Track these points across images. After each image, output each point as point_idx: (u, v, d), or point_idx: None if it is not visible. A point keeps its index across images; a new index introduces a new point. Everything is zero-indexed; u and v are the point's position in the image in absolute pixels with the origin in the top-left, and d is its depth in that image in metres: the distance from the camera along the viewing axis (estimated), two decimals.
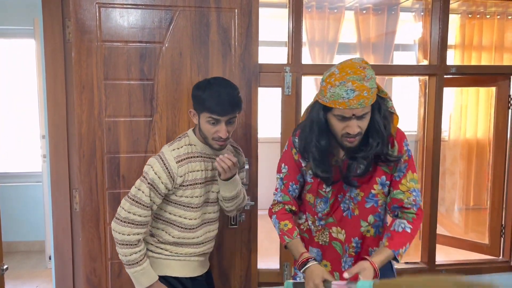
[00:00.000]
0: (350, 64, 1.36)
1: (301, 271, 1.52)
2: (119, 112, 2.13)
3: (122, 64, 2.11)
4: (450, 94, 4.20)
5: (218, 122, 1.59)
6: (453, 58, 4.10)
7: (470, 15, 4.02)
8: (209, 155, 1.71)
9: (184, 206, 1.69)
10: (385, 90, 1.47)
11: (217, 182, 1.74)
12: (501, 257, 2.98)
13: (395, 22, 4.07)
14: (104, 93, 2.11)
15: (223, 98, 1.57)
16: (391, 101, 1.49)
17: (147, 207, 1.62)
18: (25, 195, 4.17)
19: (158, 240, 1.73)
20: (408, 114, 4.63)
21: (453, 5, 3.73)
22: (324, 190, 1.58)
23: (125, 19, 2.09)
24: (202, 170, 1.69)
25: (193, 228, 1.72)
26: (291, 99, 2.46)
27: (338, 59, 4.17)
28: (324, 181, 1.55)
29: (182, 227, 1.70)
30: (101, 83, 2.10)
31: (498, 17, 4.02)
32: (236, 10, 2.17)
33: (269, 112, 3.70)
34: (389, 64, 4.02)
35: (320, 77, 4.84)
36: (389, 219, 1.64)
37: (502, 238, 2.99)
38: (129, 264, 1.65)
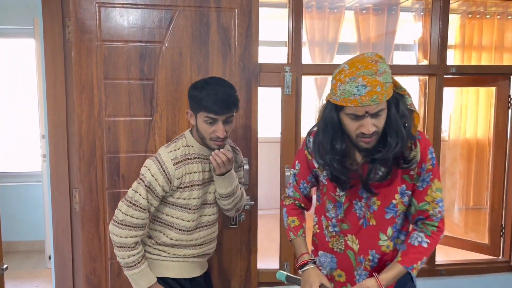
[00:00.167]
0: (361, 58, 1.26)
1: (299, 271, 1.52)
2: (119, 112, 2.13)
3: (122, 64, 2.11)
4: (450, 94, 4.20)
5: (216, 121, 1.57)
6: (453, 58, 4.10)
7: (470, 15, 4.02)
8: (207, 156, 1.69)
9: (181, 207, 1.67)
10: (403, 86, 1.36)
11: (214, 182, 1.73)
12: (501, 257, 2.99)
13: (395, 22, 4.07)
14: (104, 92, 2.11)
15: (220, 97, 1.55)
16: (411, 97, 1.37)
17: (145, 209, 1.61)
18: (25, 195, 4.17)
19: (156, 242, 1.72)
20: None
21: (453, 5, 3.73)
22: (337, 194, 1.49)
23: (125, 19, 2.09)
24: (199, 172, 1.67)
25: (191, 230, 1.70)
26: (291, 99, 2.46)
27: (338, 59, 4.17)
28: (339, 186, 1.45)
29: (179, 229, 1.69)
30: (101, 82, 2.10)
31: (498, 17, 4.02)
32: (236, 10, 2.17)
33: (269, 112, 3.71)
34: (389, 64, 4.01)
35: (320, 77, 4.85)
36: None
37: (502, 238, 2.99)
38: (127, 267, 1.64)
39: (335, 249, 1.55)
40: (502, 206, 3.00)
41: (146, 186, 1.60)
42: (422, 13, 3.90)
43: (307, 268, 1.50)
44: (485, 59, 4.07)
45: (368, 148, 1.34)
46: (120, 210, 1.62)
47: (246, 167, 2.24)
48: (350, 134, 1.33)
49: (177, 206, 1.67)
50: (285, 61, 2.52)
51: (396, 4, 4.05)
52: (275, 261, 2.62)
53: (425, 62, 3.12)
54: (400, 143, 1.30)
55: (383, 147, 1.32)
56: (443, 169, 3.94)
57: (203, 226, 1.74)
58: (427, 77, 2.76)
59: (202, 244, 1.76)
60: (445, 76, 2.70)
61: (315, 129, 1.48)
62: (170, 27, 2.13)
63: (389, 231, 1.46)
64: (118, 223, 1.61)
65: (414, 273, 1.41)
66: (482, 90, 4.06)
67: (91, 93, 2.10)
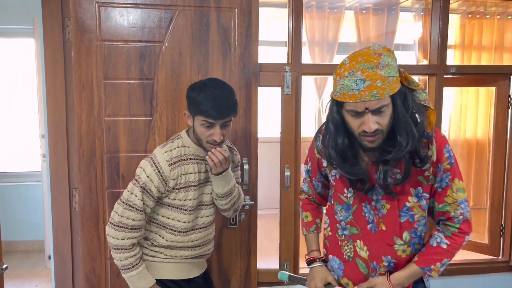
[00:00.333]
0: (364, 51, 1.19)
1: (308, 267, 1.52)
2: (118, 112, 2.13)
3: (121, 64, 2.11)
4: (450, 94, 4.20)
5: (213, 125, 1.55)
6: (453, 58, 4.11)
7: (470, 15, 4.02)
8: (203, 157, 1.67)
9: (177, 208, 1.65)
10: (415, 80, 1.27)
11: (211, 183, 1.71)
12: (500, 257, 2.98)
13: (395, 22, 4.07)
14: (104, 92, 2.11)
15: (219, 102, 1.52)
16: (425, 92, 1.27)
17: (140, 210, 1.60)
18: (24, 195, 4.17)
19: (152, 243, 1.70)
20: None
21: (453, 5, 3.73)
22: (345, 195, 1.42)
23: (125, 19, 2.09)
24: (195, 173, 1.65)
25: (186, 232, 1.68)
26: (291, 98, 2.46)
27: (338, 59, 4.17)
28: (352, 186, 1.37)
29: (175, 230, 1.67)
30: (101, 82, 2.10)
31: (498, 17, 4.02)
32: (236, 9, 2.17)
33: (269, 112, 3.70)
34: None
35: (320, 77, 4.85)
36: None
37: (501, 238, 2.99)
38: (125, 269, 1.62)
39: (344, 255, 1.45)
40: (502, 206, 3.00)
41: (141, 187, 1.59)
42: (422, 13, 3.90)
43: (315, 265, 1.49)
44: (485, 59, 4.07)
45: (375, 148, 1.26)
46: (116, 212, 1.61)
47: (246, 167, 2.24)
48: (353, 132, 1.25)
49: (173, 207, 1.66)
50: (285, 61, 2.52)
51: (396, 4, 4.05)
52: (275, 261, 2.62)
53: (425, 62, 3.12)
54: (411, 142, 1.20)
55: (393, 147, 1.23)
56: None
57: (199, 228, 1.72)
58: (427, 77, 2.76)
59: (198, 246, 1.74)
60: (445, 76, 2.70)
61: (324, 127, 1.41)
62: (170, 27, 2.12)
63: (406, 236, 1.36)
64: (115, 225, 1.60)
65: (433, 274, 1.33)
66: (482, 90, 4.06)
67: (91, 93, 2.10)
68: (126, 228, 1.59)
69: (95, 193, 2.15)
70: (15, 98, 4.35)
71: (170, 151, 1.63)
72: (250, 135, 2.28)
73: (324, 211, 1.61)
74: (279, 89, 2.47)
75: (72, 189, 2.40)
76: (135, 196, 1.59)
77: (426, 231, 1.42)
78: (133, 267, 1.62)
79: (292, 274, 1.57)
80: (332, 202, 1.50)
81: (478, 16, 4.03)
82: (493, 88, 3.04)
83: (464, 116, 4.30)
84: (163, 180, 1.59)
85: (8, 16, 3.62)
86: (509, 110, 2.95)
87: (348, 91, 1.17)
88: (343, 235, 1.45)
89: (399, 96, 1.20)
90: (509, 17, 4.06)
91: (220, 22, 2.16)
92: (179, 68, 2.15)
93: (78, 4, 2.04)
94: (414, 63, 4.11)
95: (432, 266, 1.32)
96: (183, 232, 1.68)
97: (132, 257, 1.61)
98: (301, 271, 2.59)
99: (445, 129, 4.34)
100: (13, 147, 4.41)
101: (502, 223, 2.99)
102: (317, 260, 1.50)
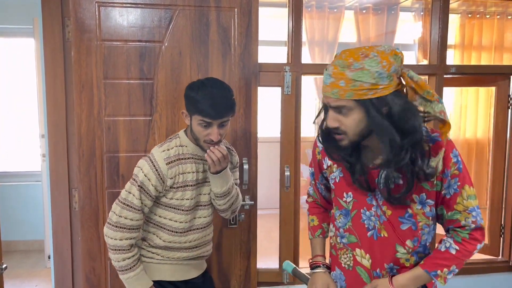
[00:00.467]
0: (354, 49, 1.18)
1: (310, 271, 1.49)
2: (118, 112, 2.13)
3: (121, 63, 2.11)
4: (450, 94, 4.20)
5: (210, 125, 1.55)
6: (452, 58, 4.10)
7: (470, 15, 4.02)
8: (201, 156, 1.67)
9: (174, 208, 1.65)
10: (431, 91, 1.18)
11: (209, 184, 1.70)
12: (500, 257, 2.99)
13: (395, 21, 4.06)
14: (104, 92, 2.11)
15: (216, 101, 1.52)
16: (441, 103, 1.18)
17: (138, 210, 1.59)
18: (24, 194, 4.17)
19: (149, 244, 1.69)
20: None
21: (453, 5, 3.73)
22: (344, 199, 1.37)
23: (125, 18, 2.09)
24: (193, 172, 1.64)
25: (183, 232, 1.67)
26: (291, 98, 2.46)
27: None
28: (354, 181, 1.31)
29: (172, 231, 1.66)
30: (101, 82, 2.10)
31: (498, 17, 4.01)
32: (236, 9, 2.17)
33: (268, 112, 3.70)
34: None
35: (320, 77, 4.84)
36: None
37: (501, 238, 2.99)
38: (122, 270, 1.61)
39: (343, 265, 1.41)
40: (501, 206, 3.00)
41: (139, 186, 1.59)
42: (422, 13, 3.90)
43: (317, 270, 1.45)
44: (485, 59, 4.07)
45: (342, 147, 1.24)
46: (114, 212, 1.60)
47: (246, 166, 2.24)
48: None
49: (170, 207, 1.65)
50: (285, 61, 2.52)
51: (396, 3, 4.05)
52: (275, 261, 2.62)
53: (425, 62, 3.12)
54: (394, 150, 1.16)
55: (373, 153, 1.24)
56: None
57: (196, 229, 1.71)
58: (427, 77, 2.76)
59: (196, 247, 1.73)
60: (445, 76, 2.70)
61: None
62: (170, 27, 2.12)
63: (409, 244, 1.30)
64: (112, 225, 1.59)
65: (439, 281, 1.26)
66: (482, 90, 4.06)
67: (91, 93, 2.10)
68: (124, 228, 1.59)
69: (95, 193, 2.15)
70: (15, 98, 4.35)
71: (168, 150, 1.63)
72: (250, 135, 2.28)
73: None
74: (279, 89, 2.47)
75: (72, 189, 2.40)
76: (133, 195, 1.59)
77: (431, 241, 1.34)
78: (130, 268, 1.61)
79: (297, 268, 1.54)
80: (333, 208, 1.46)
81: (478, 16, 4.03)
82: (493, 88, 3.05)
83: (464, 116, 4.29)
84: (161, 178, 1.59)
85: (8, 16, 3.62)
86: (509, 110, 2.95)
87: (323, 83, 1.20)
88: (342, 243, 1.41)
89: (378, 103, 1.14)
90: (509, 17, 4.06)
91: (220, 22, 2.16)
92: (179, 68, 2.15)
93: (78, 4, 2.04)
94: (414, 63, 4.11)
95: (439, 272, 1.25)
96: (180, 232, 1.67)
97: (129, 258, 1.60)
98: (301, 271, 2.59)
99: None
100: (13, 147, 4.41)
101: (502, 223, 2.99)
102: (321, 265, 1.46)
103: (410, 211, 1.27)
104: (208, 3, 2.14)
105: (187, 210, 1.66)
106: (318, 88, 4.55)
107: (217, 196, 1.71)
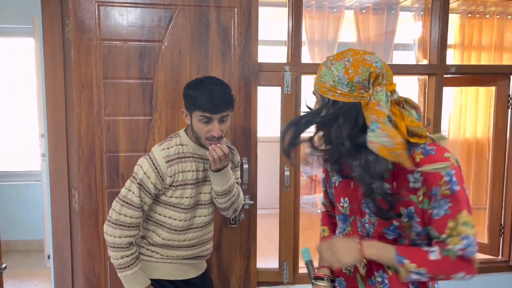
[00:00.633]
0: (355, 51, 1.18)
1: (313, 281, 1.44)
2: (118, 111, 2.13)
3: (121, 63, 2.10)
4: (450, 94, 4.20)
5: (211, 120, 1.56)
6: (452, 57, 4.10)
7: (469, 15, 4.02)
8: (201, 155, 1.68)
9: (173, 206, 1.65)
10: (410, 99, 1.20)
11: (209, 183, 1.71)
12: (500, 257, 2.99)
13: (394, 21, 4.06)
14: (104, 92, 2.11)
15: (215, 96, 1.54)
16: (418, 112, 1.18)
17: (138, 207, 1.60)
18: (24, 194, 4.17)
19: (148, 242, 1.70)
20: None
21: (452, 4, 3.73)
22: (341, 204, 1.34)
23: (125, 18, 2.09)
24: (193, 171, 1.65)
25: (183, 230, 1.68)
26: (291, 98, 2.46)
27: None
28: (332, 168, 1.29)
29: (171, 229, 1.67)
30: (101, 82, 2.10)
31: (498, 16, 4.02)
32: (235, 9, 2.17)
33: (268, 111, 3.70)
34: (389, 63, 4.01)
35: None
36: None
37: (501, 238, 2.99)
38: (120, 268, 1.62)
39: (344, 270, 1.37)
40: (501, 206, 3.00)
41: (138, 183, 1.60)
42: (421, 13, 3.90)
43: (319, 283, 1.41)
44: (485, 59, 4.07)
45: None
46: (114, 210, 1.61)
47: (246, 166, 2.24)
48: None
49: (169, 205, 1.66)
50: (284, 61, 2.52)
51: (395, 3, 4.05)
52: (275, 260, 2.62)
53: (425, 62, 3.12)
54: (338, 146, 1.15)
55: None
56: None
57: (196, 227, 1.71)
58: (426, 77, 2.76)
59: (195, 246, 1.73)
60: (444, 75, 2.70)
61: None
62: (170, 26, 2.12)
63: None
64: (112, 222, 1.60)
65: (400, 269, 1.14)
66: (482, 89, 4.06)
67: (91, 92, 2.10)
68: (124, 225, 1.60)
69: (95, 193, 2.15)
70: (14, 97, 4.35)
71: (168, 148, 1.64)
72: (250, 135, 2.28)
73: None
74: (278, 89, 2.47)
75: (71, 188, 2.40)
76: (133, 193, 1.60)
77: None
78: (128, 266, 1.61)
79: (312, 262, 1.48)
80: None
81: (477, 15, 4.03)
82: (493, 88, 3.04)
83: (463, 116, 4.30)
84: (160, 176, 1.60)
85: (8, 16, 3.62)
86: (509, 110, 2.95)
87: None
88: None
89: (332, 106, 1.16)
90: (509, 17, 4.06)
91: (220, 21, 2.16)
92: (178, 68, 2.15)
93: (77, 4, 2.04)
94: (414, 62, 4.11)
95: (406, 261, 1.13)
96: (180, 230, 1.68)
97: (128, 256, 1.61)
98: (301, 270, 2.59)
99: (444, 129, 4.33)
100: (12, 146, 4.42)
101: (502, 223, 2.99)
102: (325, 278, 1.41)
103: (396, 223, 1.21)
104: (208, 3, 2.14)
105: (186, 209, 1.66)
106: None
107: (217, 195, 1.71)
